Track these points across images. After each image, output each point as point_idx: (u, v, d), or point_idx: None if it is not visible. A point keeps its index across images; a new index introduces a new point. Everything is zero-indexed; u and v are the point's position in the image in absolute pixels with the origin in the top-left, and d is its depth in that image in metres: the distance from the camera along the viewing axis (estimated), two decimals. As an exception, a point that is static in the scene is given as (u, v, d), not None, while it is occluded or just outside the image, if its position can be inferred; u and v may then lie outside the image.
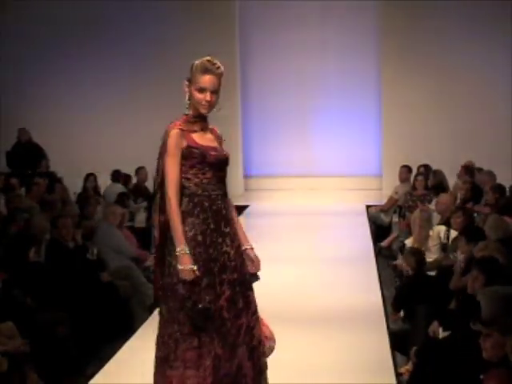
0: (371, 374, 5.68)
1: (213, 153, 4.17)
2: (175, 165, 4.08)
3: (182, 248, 4.00)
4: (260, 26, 16.22)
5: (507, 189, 9.65)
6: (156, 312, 4.38)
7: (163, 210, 4.11)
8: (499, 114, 14.87)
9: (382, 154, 15.66)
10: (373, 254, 10.02)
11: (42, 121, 14.63)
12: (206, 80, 4.15)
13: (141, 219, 10.96)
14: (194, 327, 4.04)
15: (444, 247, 8.14)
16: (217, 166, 4.20)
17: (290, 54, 16.08)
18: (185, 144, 4.11)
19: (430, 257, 7.95)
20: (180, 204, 4.09)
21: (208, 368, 4.07)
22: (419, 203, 10.42)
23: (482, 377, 4.03)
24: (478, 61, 15.05)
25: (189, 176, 4.13)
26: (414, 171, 12.07)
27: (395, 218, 11.38)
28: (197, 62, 4.18)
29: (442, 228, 8.35)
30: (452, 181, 11.31)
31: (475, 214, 8.62)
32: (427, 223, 8.58)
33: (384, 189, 14.79)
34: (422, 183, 11.13)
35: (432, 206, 9.82)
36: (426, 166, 12.08)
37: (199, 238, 4.10)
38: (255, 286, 4.34)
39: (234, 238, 4.24)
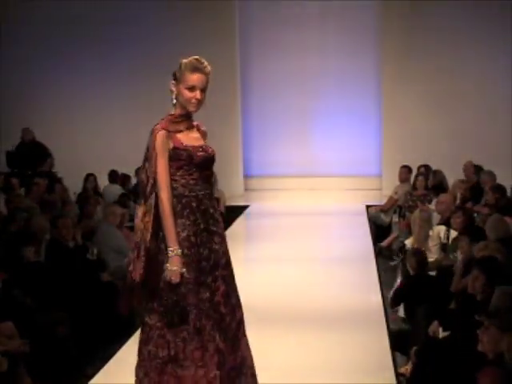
0: (371, 374, 5.69)
1: (200, 153, 4.21)
2: (165, 166, 4.12)
3: (175, 249, 4.07)
4: (260, 26, 16.22)
5: (508, 189, 9.65)
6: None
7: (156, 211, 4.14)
8: (499, 114, 14.87)
9: (382, 154, 15.66)
10: (373, 254, 10.03)
11: (41, 121, 14.62)
12: (195, 78, 4.18)
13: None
14: (168, 324, 4.13)
15: (444, 247, 8.14)
16: (204, 165, 4.24)
17: (289, 54, 16.09)
18: (171, 145, 4.15)
19: (430, 257, 7.95)
20: (171, 204, 4.13)
21: (215, 364, 4.14)
22: (419, 203, 10.42)
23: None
24: (477, 61, 15.06)
25: (176, 177, 4.17)
26: (414, 171, 12.08)
27: (395, 218, 11.39)
28: (185, 60, 4.21)
29: (442, 228, 8.36)
30: (452, 181, 11.31)
31: (475, 214, 8.62)
32: (427, 223, 8.59)
33: (384, 189, 14.80)
34: (423, 183, 11.13)
35: (432, 206, 9.82)
36: (427, 166, 12.09)
37: (192, 238, 4.17)
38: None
39: (221, 235, 4.35)
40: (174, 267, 4.06)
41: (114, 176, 12.61)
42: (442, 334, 5.73)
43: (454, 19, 15.05)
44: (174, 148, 4.14)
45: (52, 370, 5.82)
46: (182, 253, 4.10)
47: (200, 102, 4.20)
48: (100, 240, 8.21)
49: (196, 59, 4.20)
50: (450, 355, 4.90)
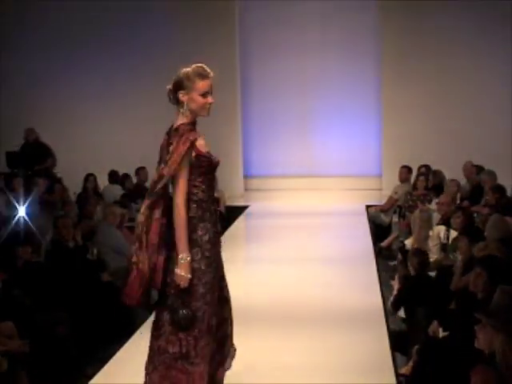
0: (371, 374, 5.68)
1: (215, 159, 4.41)
2: (186, 174, 4.26)
3: (186, 256, 4.22)
4: (260, 26, 16.21)
5: (509, 189, 9.66)
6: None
7: (165, 213, 4.30)
8: (499, 114, 14.85)
9: (382, 154, 15.65)
10: (373, 254, 10.02)
11: (41, 121, 14.60)
12: (206, 84, 4.36)
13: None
14: (179, 327, 4.27)
15: (444, 247, 8.15)
16: (215, 169, 4.45)
17: (290, 54, 16.07)
18: (194, 154, 4.30)
19: (430, 257, 7.94)
20: (187, 211, 4.27)
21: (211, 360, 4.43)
22: (419, 203, 10.42)
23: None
24: (477, 61, 15.05)
25: (197, 183, 4.33)
26: (414, 171, 12.08)
27: (395, 218, 11.39)
28: (188, 69, 4.37)
29: (442, 228, 8.36)
30: (452, 181, 11.31)
31: (475, 214, 8.62)
32: (427, 223, 8.59)
33: (384, 189, 14.79)
34: (423, 183, 11.13)
35: (432, 206, 9.82)
36: (427, 166, 12.09)
37: (212, 240, 4.36)
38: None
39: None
40: (183, 273, 4.22)
41: (114, 176, 12.62)
42: (441, 334, 5.73)
43: (453, 19, 15.05)
44: (197, 155, 4.30)
45: (52, 370, 5.83)
46: (204, 255, 4.30)
47: (211, 106, 4.40)
48: (100, 240, 8.22)
49: (201, 67, 4.38)
50: (450, 355, 4.90)
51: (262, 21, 16.19)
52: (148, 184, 11.71)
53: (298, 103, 16.18)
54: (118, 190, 11.99)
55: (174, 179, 4.25)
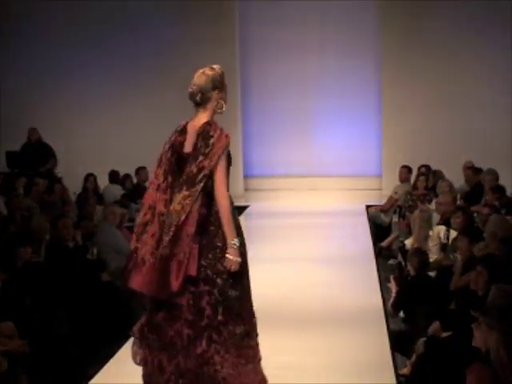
0: (371, 375, 5.69)
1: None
2: (226, 166, 4.49)
3: (236, 241, 4.47)
4: (260, 26, 16.20)
5: (509, 189, 9.65)
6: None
7: (205, 204, 4.45)
8: (499, 114, 14.85)
9: (382, 154, 15.65)
10: (373, 254, 10.03)
11: (41, 121, 14.60)
12: None
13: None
14: (230, 309, 4.57)
15: (444, 247, 8.14)
16: None
17: (289, 53, 16.06)
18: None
19: (430, 257, 7.94)
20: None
21: None
22: (419, 203, 10.41)
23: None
24: (478, 61, 15.05)
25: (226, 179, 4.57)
26: (414, 171, 12.07)
27: (395, 218, 11.38)
28: (219, 69, 4.65)
29: (442, 228, 8.35)
30: (452, 181, 11.29)
31: (475, 214, 8.62)
32: (427, 223, 8.59)
33: (384, 189, 14.78)
34: (424, 183, 11.13)
35: (432, 206, 9.82)
36: (427, 166, 12.09)
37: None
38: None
39: None
40: (236, 258, 4.46)
41: (114, 176, 12.61)
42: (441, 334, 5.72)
43: (453, 19, 15.05)
44: (229, 153, 4.51)
45: (52, 370, 5.82)
46: (243, 242, 4.59)
47: None
48: (100, 240, 8.21)
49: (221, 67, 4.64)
50: (450, 354, 4.90)
51: (262, 21, 16.19)
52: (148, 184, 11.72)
53: (297, 103, 16.18)
54: (118, 190, 11.99)
55: (214, 171, 4.41)
